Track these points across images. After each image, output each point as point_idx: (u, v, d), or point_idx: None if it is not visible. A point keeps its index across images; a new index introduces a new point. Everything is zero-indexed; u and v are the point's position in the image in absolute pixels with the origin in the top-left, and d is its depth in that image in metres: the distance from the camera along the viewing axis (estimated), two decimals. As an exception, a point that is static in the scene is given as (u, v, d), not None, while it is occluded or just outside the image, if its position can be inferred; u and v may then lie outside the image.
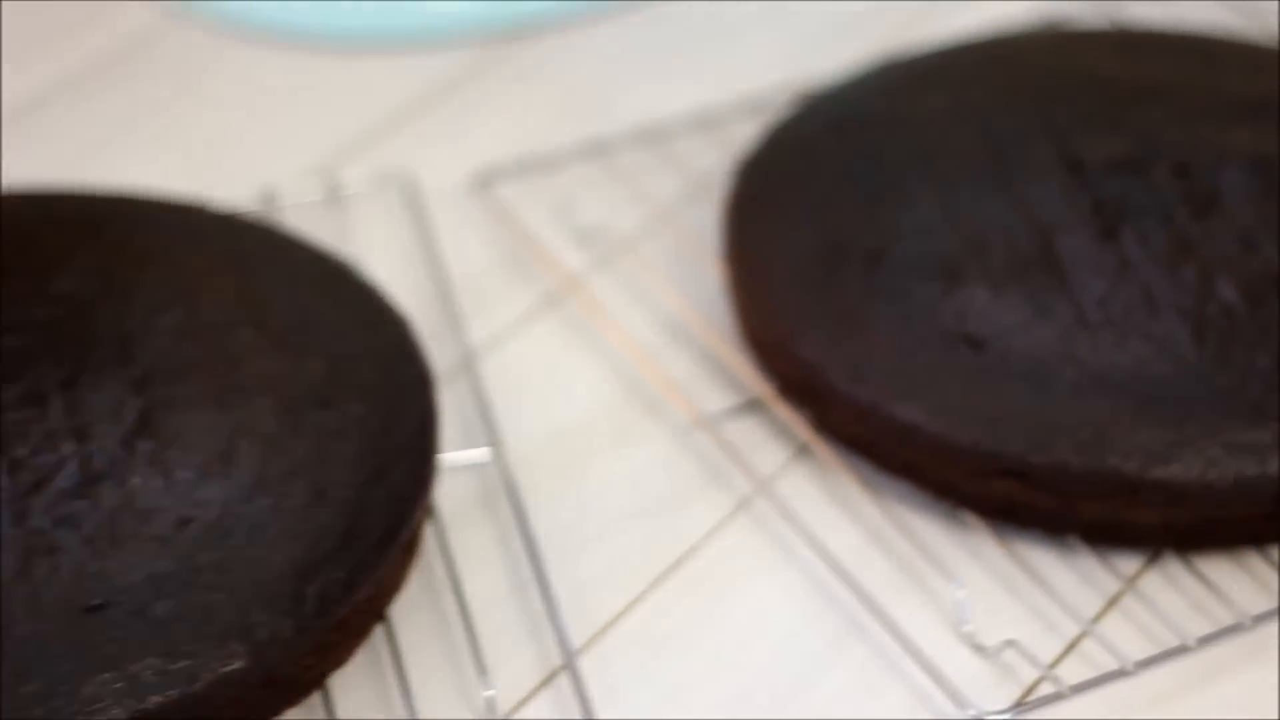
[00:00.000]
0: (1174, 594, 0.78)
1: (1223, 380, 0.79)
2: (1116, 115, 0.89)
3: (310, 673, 0.73)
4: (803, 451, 0.83)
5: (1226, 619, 0.76)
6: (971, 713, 0.73)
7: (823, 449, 0.82)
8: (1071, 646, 0.76)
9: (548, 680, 0.75)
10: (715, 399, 0.86)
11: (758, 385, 0.85)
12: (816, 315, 0.83)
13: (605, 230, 0.93)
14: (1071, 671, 0.75)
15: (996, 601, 0.78)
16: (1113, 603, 0.78)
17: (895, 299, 0.82)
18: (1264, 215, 0.84)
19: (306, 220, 0.93)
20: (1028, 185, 0.86)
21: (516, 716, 0.74)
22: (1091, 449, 0.77)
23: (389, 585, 0.76)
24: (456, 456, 0.81)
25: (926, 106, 0.91)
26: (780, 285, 0.84)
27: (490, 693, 0.73)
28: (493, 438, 0.83)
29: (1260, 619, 0.76)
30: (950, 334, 0.81)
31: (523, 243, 0.92)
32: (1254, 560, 0.79)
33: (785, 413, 0.83)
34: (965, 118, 0.90)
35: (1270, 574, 0.78)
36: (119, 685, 0.69)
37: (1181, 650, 0.75)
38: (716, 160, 0.95)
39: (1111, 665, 0.75)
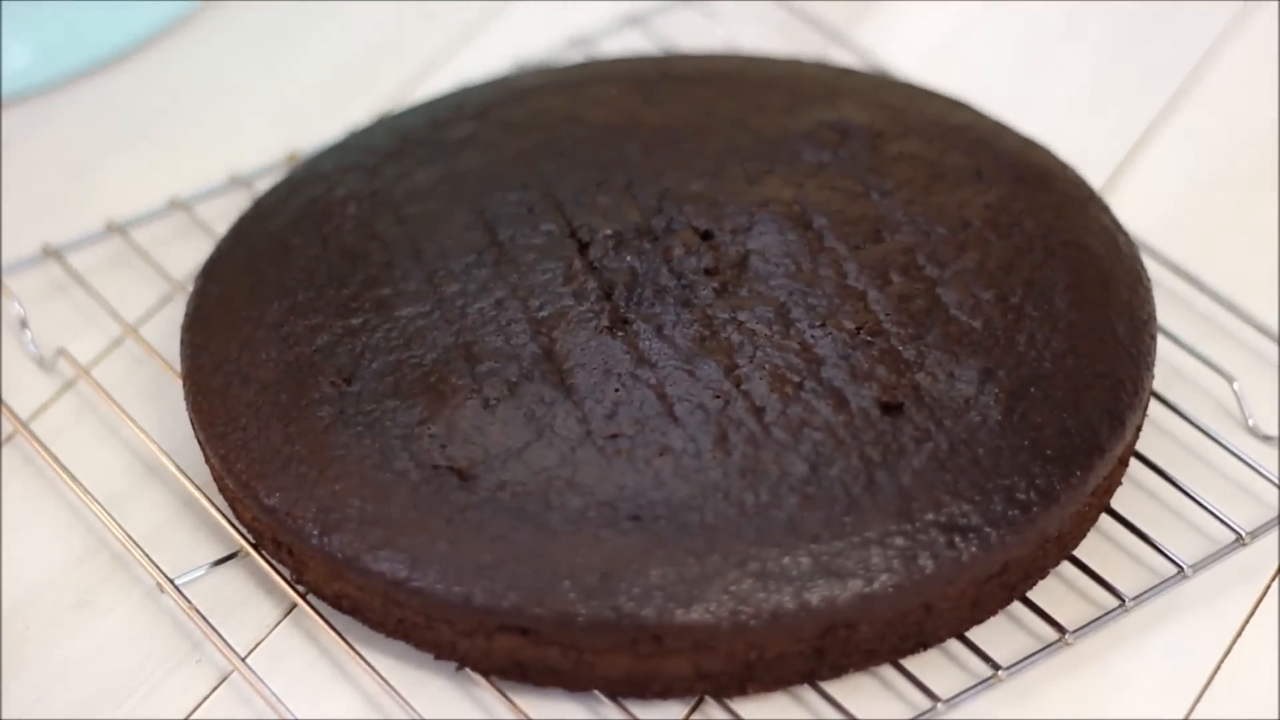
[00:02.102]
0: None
1: (750, 497, 0.67)
2: (632, 175, 0.77)
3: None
4: (294, 610, 0.71)
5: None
6: None
7: (308, 609, 0.69)
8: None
9: None
10: (194, 553, 0.73)
11: (236, 535, 0.72)
12: (282, 453, 0.70)
13: (68, 352, 0.79)
14: None
15: (516, 777, 0.66)
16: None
17: (370, 427, 0.70)
18: (798, 282, 0.73)
19: None
20: (527, 272, 0.74)
21: None
22: (600, 594, 0.65)
23: None
24: None
25: (414, 179, 0.78)
26: (240, 416, 0.71)
27: None
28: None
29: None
30: (434, 466, 0.68)
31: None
32: (810, 697, 0.68)
33: (265, 567, 0.71)
34: (458, 191, 0.77)
35: (828, 712, 0.67)
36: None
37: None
38: (198, 257, 0.82)
39: None
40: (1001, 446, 0.69)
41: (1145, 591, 0.70)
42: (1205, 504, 0.72)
